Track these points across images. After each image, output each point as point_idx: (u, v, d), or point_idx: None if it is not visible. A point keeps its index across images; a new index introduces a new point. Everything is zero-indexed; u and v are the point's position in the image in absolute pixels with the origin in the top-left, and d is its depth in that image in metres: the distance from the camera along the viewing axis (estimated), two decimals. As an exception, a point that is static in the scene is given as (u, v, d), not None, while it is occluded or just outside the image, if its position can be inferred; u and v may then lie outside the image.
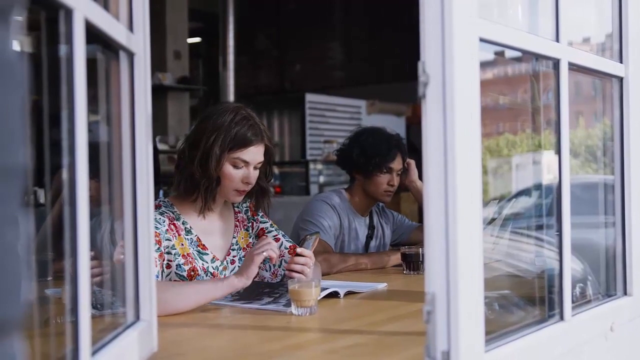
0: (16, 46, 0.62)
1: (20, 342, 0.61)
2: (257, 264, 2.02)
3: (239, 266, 2.33)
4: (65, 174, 1.03)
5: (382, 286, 2.40)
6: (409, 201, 6.75)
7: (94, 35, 1.13)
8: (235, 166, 2.23)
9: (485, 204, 1.44)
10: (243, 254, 2.38)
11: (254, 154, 2.25)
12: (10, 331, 0.58)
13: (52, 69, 1.07)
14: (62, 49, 1.04)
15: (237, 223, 2.42)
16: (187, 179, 2.25)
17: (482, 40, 1.26)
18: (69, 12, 1.01)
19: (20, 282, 0.60)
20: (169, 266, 2.17)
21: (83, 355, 1.02)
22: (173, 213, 2.25)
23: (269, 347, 1.60)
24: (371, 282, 2.40)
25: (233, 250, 2.38)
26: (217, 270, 2.29)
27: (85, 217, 1.04)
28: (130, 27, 1.37)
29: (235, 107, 2.28)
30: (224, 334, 1.78)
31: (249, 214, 2.47)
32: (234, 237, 2.39)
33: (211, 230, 2.33)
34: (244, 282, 2.01)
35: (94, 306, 1.27)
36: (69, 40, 1.02)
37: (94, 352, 1.11)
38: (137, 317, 1.39)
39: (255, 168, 2.27)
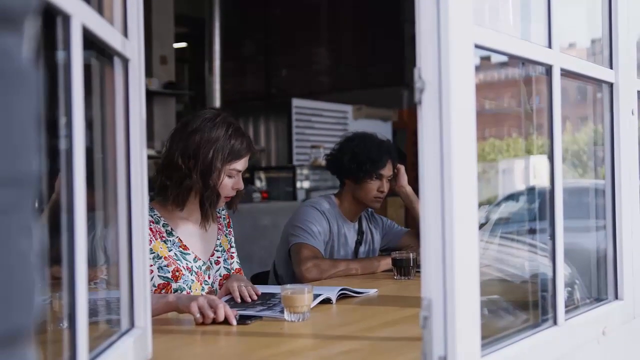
0: (29, 54, 0.61)
1: (33, 350, 0.61)
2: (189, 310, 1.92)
3: (224, 267, 2.43)
4: (62, 181, 1.02)
5: (373, 292, 2.40)
6: (395, 206, 6.76)
7: (88, 40, 1.13)
8: (230, 176, 2.32)
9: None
10: (226, 256, 2.47)
11: (245, 162, 2.36)
12: (25, 339, 0.58)
13: (48, 74, 1.06)
14: (59, 55, 1.04)
15: (220, 227, 2.50)
16: (185, 191, 2.28)
17: (477, 46, 1.27)
18: (66, 18, 1.01)
19: (33, 290, 0.60)
20: (150, 272, 2.19)
21: (81, 363, 1.01)
22: (152, 216, 2.28)
23: (263, 354, 1.59)
24: (363, 288, 2.40)
25: (217, 251, 2.44)
26: (201, 269, 2.34)
27: (83, 223, 1.03)
28: (125, 33, 1.37)
29: (223, 119, 2.34)
30: (218, 341, 1.77)
31: (225, 222, 2.55)
32: (218, 239, 2.46)
33: (194, 233, 2.38)
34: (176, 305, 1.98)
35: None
36: (66, 46, 1.02)
37: (90, 360, 1.10)
38: (132, 325, 1.39)
39: (242, 174, 2.37)
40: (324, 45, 10.25)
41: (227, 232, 2.53)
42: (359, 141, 3.12)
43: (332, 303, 2.16)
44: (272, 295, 2.23)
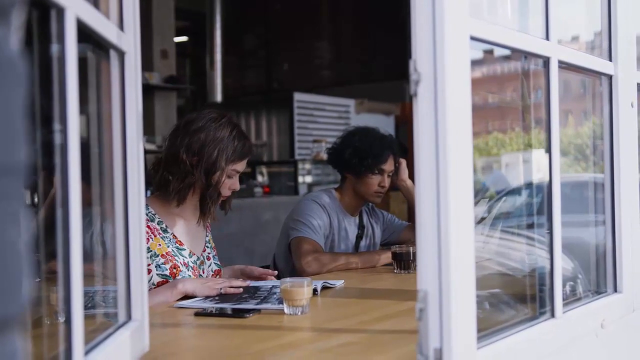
0: (17, 44, 0.62)
1: (21, 339, 0.61)
2: (206, 294, 2.16)
3: (214, 263, 2.49)
4: (57, 175, 1.02)
5: (340, 283, 2.42)
6: (397, 200, 6.77)
7: (84, 34, 1.12)
8: (229, 176, 2.36)
9: (475, 202, 1.45)
10: (214, 252, 2.53)
11: (244, 164, 2.41)
12: (12, 328, 0.59)
13: (42, 67, 1.06)
14: (53, 48, 1.04)
15: (208, 225, 2.54)
16: (187, 187, 2.32)
17: (473, 38, 1.27)
18: (60, 11, 1.00)
19: (22, 279, 0.60)
20: (148, 271, 2.21)
21: (76, 355, 1.02)
22: (147, 214, 2.30)
23: (262, 347, 1.60)
24: (333, 280, 2.42)
25: (208, 247, 2.50)
26: (196, 264, 2.39)
27: (78, 217, 1.03)
28: (121, 26, 1.37)
29: (228, 119, 2.38)
30: (216, 334, 1.77)
31: (209, 221, 2.58)
32: (207, 237, 2.52)
33: (186, 229, 2.42)
34: (186, 288, 2.15)
35: (85, 306, 1.27)
36: (60, 39, 1.02)
37: (86, 352, 1.10)
38: (129, 317, 1.39)
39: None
40: (325, 39, 10.25)
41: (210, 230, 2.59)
42: (361, 135, 3.12)
43: (317, 294, 2.17)
44: (257, 288, 2.24)
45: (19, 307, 0.60)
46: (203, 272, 2.41)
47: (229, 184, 2.37)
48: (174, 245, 2.32)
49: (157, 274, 2.25)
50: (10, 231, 0.58)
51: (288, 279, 1.99)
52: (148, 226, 2.28)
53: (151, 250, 2.25)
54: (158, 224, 2.33)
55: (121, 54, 1.36)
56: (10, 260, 0.58)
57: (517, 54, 1.62)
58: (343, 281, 2.45)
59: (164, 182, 2.32)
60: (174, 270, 2.27)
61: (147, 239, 2.25)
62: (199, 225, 2.41)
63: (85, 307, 1.15)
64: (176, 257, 2.30)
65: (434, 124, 1.18)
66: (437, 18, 1.17)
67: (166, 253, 2.28)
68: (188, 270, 2.32)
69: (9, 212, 0.58)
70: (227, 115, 2.40)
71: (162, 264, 2.26)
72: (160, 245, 2.29)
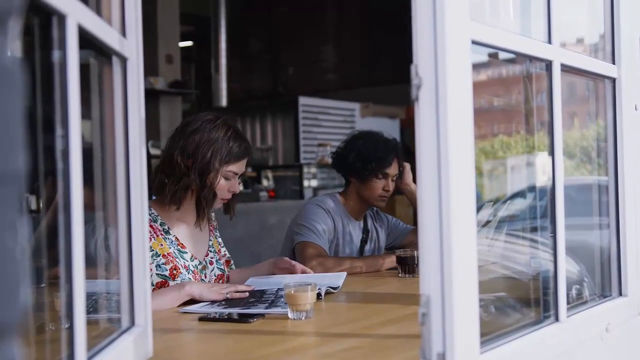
0: (14, 52, 0.62)
1: (19, 346, 0.61)
2: (212, 298, 2.14)
3: (217, 267, 2.48)
4: (59, 181, 1.03)
5: (342, 276, 2.44)
6: (403, 204, 6.75)
7: (86, 40, 1.13)
8: (226, 178, 2.36)
9: (480, 206, 1.44)
10: (218, 257, 2.51)
11: (243, 166, 2.40)
12: (9, 335, 0.59)
13: (44, 74, 1.06)
14: (55, 54, 1.04)
15: (211, 229, 2.55)
16: (183, 189, 2.32)
17: (474, 42, 1.27)
18: (62, 18, 1.01)
19: (19, 286, 0.60)
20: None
21: (78, 362, 1.02)
22: (150, 215, 2.31)
23: (266, 352, 1.59)
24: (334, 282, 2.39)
25: (211, 252, 2.49)
26: (197, 269, 2.39)
27: (80, 223, 1.04)
28: (123, 32, 1.37)
29: (224, 121, 2.38)
30: (219, 339, 1.77)
31: (215, 224, 2.60)
32: (210, 240, 2.51)
33: (189, 233, 2.42)
34: (193, 291, 2.13)
35: (88, 311, 1.27)
36: (62, 45, 1.02)
37: (89, 358, 1.10)
38: (132, 323, 1.39)
39: (239, 178, 2.41)
40: (330, 43, 10.24)
41: (216, 234, 2.59)
42: (365, 139, 3.11)
43: (321, 299, 2.16)
44: (263, 292, 2.24)
45: (17, 314, 0.60)
46: (205, 277, 2.41)
47: (228, 186, 2.36)
48: (176, 247, 2.33)
49: (156, 274, 2.25)
50: (7, 238, 0.58)
51: (292, 284, 1.99)
52: (151, 226, 2.29)
53: (153, 250, 2.26)
54: (161, 225, 2.33)
55: (123, 60, 1.37)
56: (7, 268, 0.58)
57: (521, 57, 1.62)
58: (345, 273, 2.47)
59: (161, 185, 2.33)
60: (174, 272, 2.27)
61: (149, 238, 2.25)
62: (196, 227, 2.41)
63: (88, 312, 1.15)
64: (177, 259, 2.31)
65: (435, 128, 1.18)
66: (438, 22, 1.17)
67: (167, 254, 2.29)
68: (188, 273, 2.32)
69: (6, 219, 0.58)
70: (222, 117, 2.40)
71: (163, 264, 2.27)
72: (162, 245, 2.29)
